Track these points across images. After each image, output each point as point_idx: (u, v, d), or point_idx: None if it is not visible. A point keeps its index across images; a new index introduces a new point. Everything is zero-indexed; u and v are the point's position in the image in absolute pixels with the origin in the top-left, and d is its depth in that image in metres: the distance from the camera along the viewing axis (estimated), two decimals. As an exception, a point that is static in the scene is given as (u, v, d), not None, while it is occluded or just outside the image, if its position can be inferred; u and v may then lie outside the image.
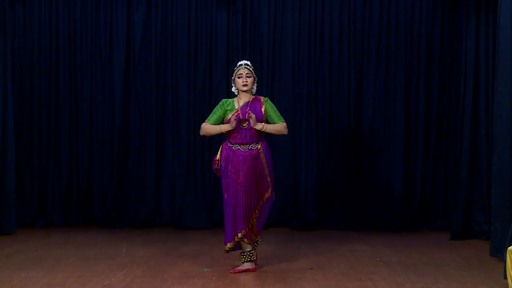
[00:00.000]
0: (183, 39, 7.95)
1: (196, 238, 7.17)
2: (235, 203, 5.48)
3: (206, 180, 7.94)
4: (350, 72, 7.93)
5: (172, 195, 7.96)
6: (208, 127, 5.60)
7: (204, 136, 5.86)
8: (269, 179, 5.58)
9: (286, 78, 7.97)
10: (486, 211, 6.93)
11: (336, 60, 7.94)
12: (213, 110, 5.66)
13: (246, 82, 5.55)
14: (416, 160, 7.90)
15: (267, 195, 5.58)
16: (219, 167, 5.59)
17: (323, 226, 7.86)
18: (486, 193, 6.94)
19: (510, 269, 4.67)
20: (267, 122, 5.59)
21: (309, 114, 7.94)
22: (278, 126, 5.60)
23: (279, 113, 5.64)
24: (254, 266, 5.59)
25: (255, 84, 5.66)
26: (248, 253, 5.55)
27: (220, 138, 5.83)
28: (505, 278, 4.92)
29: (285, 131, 5.64)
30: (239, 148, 5.53)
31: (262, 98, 5.65)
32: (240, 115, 5.50)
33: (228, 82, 7.67)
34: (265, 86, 7.76)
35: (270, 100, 5.75)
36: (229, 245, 5.53)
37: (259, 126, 5.48)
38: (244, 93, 5.61)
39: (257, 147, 5.54)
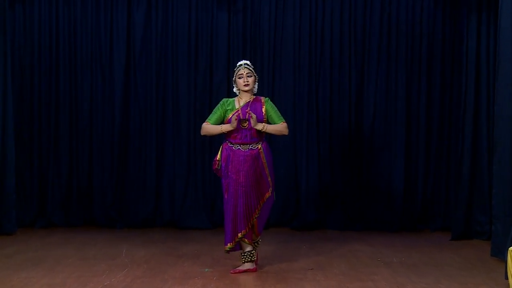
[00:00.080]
0: (183, 39, 7.94)
1: (197, 238, 7.16)
2: (235, 203, 5.47)
3: (206, 180, 7.93)
4: (351, 71, 7.93)
5: (173, 195, 7.95)
6: (209, 127, 5.60)
7: (205, 136, 5.87)
8: (269, 179, 5.57)
9: (287, 77, 7.96)
10: (487, 211, 6.92)
11: (337, 60, 7.93)
12: (214, 110, 5.65)
13: (247, 82, 5.55)
14: (417, 160, 7.89)
15: (267, 195, 5.57)
16: (219, 167, 5.59)
17: (323, 226, 7.85)
18: (487, 193, 6.93)
19: (511, 270, 4.67)
20: (268, 122, 5.58)
21: (310, 114, 7.93)
22: (279, 127, 5.59)
23: (279, 114, 5.64)
24: (254, 266, 5.58)
25: (256, 83, 5.65)
26: (249, 253, 5.54)
27: (221, 138, 5.82)
28: (506, 278, 4.91)
29: (286, 131, 5.63)
30: (239, 148, 5.52)
31: (262, 99, 5.64)
32: (241, 115, 5.50)
33: (228, 82, 7.66)
34: (265, 85, 7.75)
35: (271, 99, 5.75)
36: (229, 245, 5.52)
37: (260, 126, 5.48)
38: (245, 93, 5.60)
39: (257, 147, 5.53)
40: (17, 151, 7.51)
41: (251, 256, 5.55)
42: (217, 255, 6.17)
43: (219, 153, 5.60)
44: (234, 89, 5.68)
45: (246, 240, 5.51)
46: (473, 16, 7.07)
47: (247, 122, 5.47)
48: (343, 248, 6.65)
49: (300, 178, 7.93)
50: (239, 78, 5.58)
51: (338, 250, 6.55)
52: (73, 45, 7.93)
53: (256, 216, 5.51)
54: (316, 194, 7.90)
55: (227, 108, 5.58)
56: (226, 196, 5.53)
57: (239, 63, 5.64)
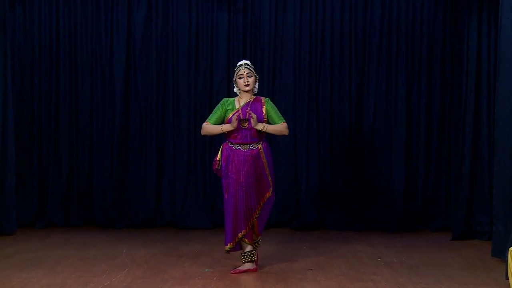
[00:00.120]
0: (183, 39, 7.94)
1: (197, 239, 7.16)
2: (235, 203, 5.46)
3: (206, 180, 7.92)
4: (351, 71, 7.92)
5: (173, 195, 7.95)
6: (210, 127, 5.59)
7: (205, 135, 5.87)
8: (270, 179, 5.56)
9: (287, 77, 7.95)
10: (488, 211, 6.91)
11: (337, 60, 7.93)
12: (214, 110, 5.65)
13: (247, 82, 5.54)
14: (418, 160, 7.88)
15: (268, 195, 5.56)
16: (219, 167, 5.58)
17: (324, 226, 7.85)
18: (488, 193, 6.92)
19: (511, 270, 4.66)
20: (268, 122, 5.57)
21: (310, 114, 7.92)
22: (279, 127, 5.59)
23: (279, 114, 5.63)
24: (255, 266, 5.57)
25: (257, 83, 5.65)
26: (249, 254, 5.54)
27: (221, 138, 5.82)
28: (507, 278, 4.90)
29: (286, 132, 5.63)
30: (239, 148, 5.52)
31: (263, 99, 5.64)
32: (241, 115, 5.49)
33: (229, 82, 7.66)
34: (266, 85, 7.75)
35: (271, 99, 5.75)
36: (229, 245, 5.51)
37: (260, 126, 5.47)
38: (246, 93, 5.59)
39: (257, 147, 5.53)
40: (17, 151, 7.51)
41: (251, 256, 5.55)
42: (217, 255, 6.16)
43: (219, 153, 5.59)
44: (235, 89, 5.67)
45: (246, 240, 5.51)
46: (474, 16, 7.06)
47: (248, 122, 5.46)
48: (344, 248, 6.64)
49: (300, 178, 7.92)
50: (240, 78, 5.57)
51: (338, 250, 6.54)
52: (73, 45, 7.92)
53: (256, 216, 5.51)
54: (317, 194, 7.89)
55: (227, 108, 5.57)
56: (226, 196, 5.53)
57: (239, 63, 5.64)
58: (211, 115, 5.63)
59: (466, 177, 7.13)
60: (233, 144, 5.54)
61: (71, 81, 7.92)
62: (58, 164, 7.88)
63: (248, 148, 5.52)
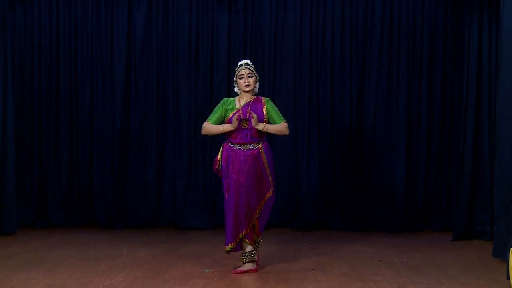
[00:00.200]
0: (184, 39, 7.93)
1: (197, 239, 7.15)
2: (236, 203, 5.45)
3: (207, 180, 7.91)
4: (352, 71, 7.91)
5: (173, 195, 7.94)
6: (210, 127, 5.58)
7: (205, 135, 5.86)
8: (270, 179, 5.55)
9: (288, 77, 7.94)
10: (489, 211, 6.90)
11: (338, 59, 7.92)
12: (214, 109, 5.64)
13: (248, 82, 5.53)
14: (419, 160, 7.87)
15: (268, 195, 5.55)
16: (220, 168, 5.57)
17: (324, 227, 7.84)
18: (489, 193, 6.91)
19: (513, 270, 4.65)
20: (269, 122, 5.56)
21: (311, 114, 7.91)
22: (280, 127, 5.58)
23: (280, 114, 5.62)
24: (255, 266, 5.56)
25: (257, 83, 5.64)
26: (250, 254, 5.53)
27: (221, 137, 5.81)
28: (508, 279, 4.90)
29: (287, 132, 5.62)
30: (240, 148, 5.51)
31: (263, 99, 5.63)
32: (241, 115, 5.48)
33: (229, 81, 7.65)
34: (266, 85, 7.75)
35: (272, 99, 5.75)
36: (230, 245, 5.50)
37: (261, 126, 5.46)
38: (246, 93, 5.58)
39: (258, 147, 5.52)
40: (17, 151, 7.50)
41: (252, 257, 5.54)
42: (218, 255, 6.15)
43: (220, 153, 5.58)
44: (235, 89, 5.66)
45: (247, 240, 5.50)
46: (475, 15, 7.05)
47: (248, 122, 5.45)
48: (344, 248, 6.63)
49: (301, 178, 7.91)
50: (240, 78, 5.56)
51: (339, 250, 6.53)
52: (74, 45, 7.92)
53: (257, 216, 5.50)
54: (317, 194, 7.88)
55: (228, 108, 5.56)
56: (226, 196, 5.52)
57: (240, 62, 5.63)
58: (211, 115, 5.62)
59: (467, 177, 7.12)
60: (233, 144, 5.53)
61: (71, 81, 7.92)
62: (58, 164, 7.88)
63: (249, 148, 5.51)
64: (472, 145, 7.12)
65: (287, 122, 5.63)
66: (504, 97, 5.86)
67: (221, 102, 5.63)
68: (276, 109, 5.62)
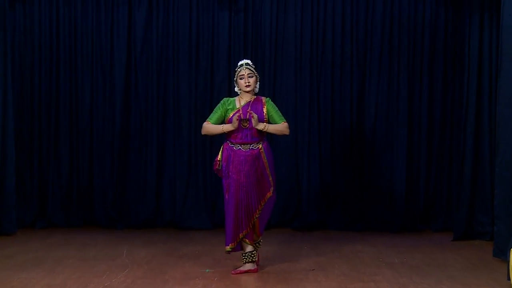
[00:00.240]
0: (184, 39, 7.92)
1: (197, 239, 7.15)
2: (236, 203, 5.45)
3: (207, 180, 7.91)
4: (353, 71, 7.90)
5: (173, 196, 7.93)
6: (210, 127, 5.57)
7: (205, 135, 5.85)
8: (270, 179, 5.55)
9: (288, 77, 7.94)
10: (489, 211, 6.89)
11: (338, 60, 7.91)
12: (214, 109, 5.63)
13: (248, 82, 5.53)
14: (419, 160, 7.87)
15: (268, 195, 5.55)
16: (220, 168, 5.57)
17: (325, 227, 7.83)
18: (489, 194, 6.91)
19: (514, 270, 4.65)
20: (269, 122, 5.56)
21: (311, 114, 7.91)
22: (280, 126, 5.57)
23: (280, 113, 5.62)
24: (255, 267, 5.56)
25: (258, 83, 5.63)
26: (250, 254, 5.53)
27: (221, 137, 5.81)
28: (509, 279, 4.90)
29: (287, 131, 5.62)
30: (240, 148, 5.50)
31: (263, 99, 5.62)
32: (242, 115, 5.47)
33: (229, 81, 7.64)
34: (266, 85, 7.74)
35: (272, 99, 5.74)
36: (230, 245, 5.50)
37: (261, 126, 5.46)
38: (246, 93, 5.58)
39: (258, 147, 5.51)
40: (17, 151, 7.49)
41: (252, 257, 5.53)
42: (218, 255, 6.15)
43: (220, 153, 5.58)
44: (236, 89, 5.66)
45: (247, 240, 5.49)
46: (475, 15, 7.05)
47: (248, 121, 5.45)
48: (345, 248, 6.62)
49: (301, 178, 7.91)
50: (240, 78, 5.56)
51: (339, 250, 6.52)
52: (74, 45, 7.91)
53: (257, 216, 5.50)
54: (318, 194, 7.88)
55: (228, 108, 5.56)
56: (227, 197, 5.51)
57: (240, 62, 5.62)
58: (211, 114, 5.62)
59: (468, 177, 7.12)
60: (233, 144, 5.52)
61: (71, 81, 7.91)
62: (58, 164, 7.87)
63: (249, 148, 5.50)
64: (473, 146, 7.12)
65: (287, 122, 5.63)
66: (505, 98, 5.86)
67: (222, 102, 5.63)
68: (277, 109, 5.62)
